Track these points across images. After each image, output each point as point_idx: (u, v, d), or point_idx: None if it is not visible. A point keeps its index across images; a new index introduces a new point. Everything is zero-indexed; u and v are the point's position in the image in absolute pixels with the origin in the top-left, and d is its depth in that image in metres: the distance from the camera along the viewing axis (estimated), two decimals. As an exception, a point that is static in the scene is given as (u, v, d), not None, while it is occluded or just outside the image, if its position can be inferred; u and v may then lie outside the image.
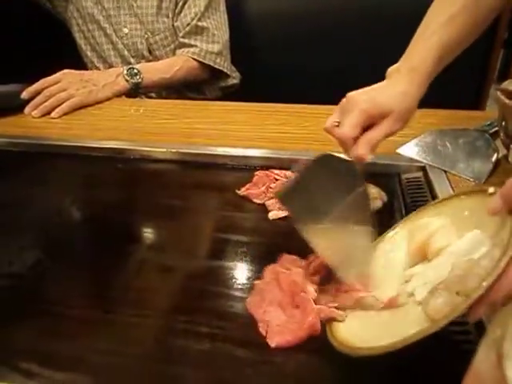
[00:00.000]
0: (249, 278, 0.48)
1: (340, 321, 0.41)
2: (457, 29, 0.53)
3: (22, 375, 0.39)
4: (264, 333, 0.41)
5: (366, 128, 0.50)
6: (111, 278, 0.50)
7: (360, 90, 0.52)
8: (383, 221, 0.55)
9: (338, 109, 0.53)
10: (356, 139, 0.49)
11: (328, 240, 0.45)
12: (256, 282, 0.47)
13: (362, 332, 0.38)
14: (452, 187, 0.58)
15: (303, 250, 0.47)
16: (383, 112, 0.50)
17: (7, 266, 0.52)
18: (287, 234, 0.54)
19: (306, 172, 0.46)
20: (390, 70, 0.54)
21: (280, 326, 0.42)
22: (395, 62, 0.55)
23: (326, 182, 0.46)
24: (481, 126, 0.67)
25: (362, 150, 0.48)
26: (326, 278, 0.46)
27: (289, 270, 0.47)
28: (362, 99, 0.50)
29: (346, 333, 0.38)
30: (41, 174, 0.73)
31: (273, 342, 0.40)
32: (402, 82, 0.52)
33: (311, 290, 0.45)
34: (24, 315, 0.45)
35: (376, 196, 0.58)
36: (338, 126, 0.52)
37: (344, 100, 0.52)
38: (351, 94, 0.52)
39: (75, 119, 0.89)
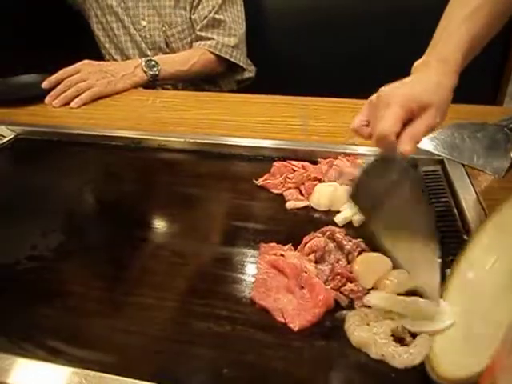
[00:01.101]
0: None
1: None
2: (482, 21, 0.52)
3: (47, 352, 0.40)
4: (282, 320, 0.42)
5: (405, 124, 0.47)
6: (130, 262, 0.51)
7: (391, 85, 0.49)
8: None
9: (366, 107, 0.51)
10: (395, 135, 0.46)
11: (395, 239, 0.44)
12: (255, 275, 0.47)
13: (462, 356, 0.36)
14: (470, 181, 0.58)
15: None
16: (423, 104, 0.47)
17: (31, 249, 0.53)
18: (304, 223, 0.55)
19: (370, 170, 0.45)
20: (416, 64, 0.52)
21: (295, 309, 0.43)
22: (412, 54, 0.54)
23: (388, 182, 0.45)
24: (499, 121, 0.67)
25: (408, 146, 0.45)
26: (321, 257, 0.48)
27: (283, 255, 0.48)
28: (398, 93, 0.47)
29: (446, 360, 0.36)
30: (61, 162, 0.75)
31: (295, 326, 0.41)
32: (433, 73, 0.49)
33: (311, 268, 0.46)
34: (48, 295, 0.47)
35: (393, 188, 0.58)
36: (367, 125, 0.50)
37: (375, 96, 0.50)
38: (385, 90, 0.49)
39: (94, 109, 0.90)
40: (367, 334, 0.39)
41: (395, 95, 0.47)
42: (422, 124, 0.47)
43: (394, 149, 0.46)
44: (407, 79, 0.50)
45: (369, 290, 0.44)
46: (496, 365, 0.19)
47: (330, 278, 0.46)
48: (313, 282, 0.45)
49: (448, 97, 0.49)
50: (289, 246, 0.50)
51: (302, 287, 0.45)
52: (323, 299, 0.42)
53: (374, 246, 0.49)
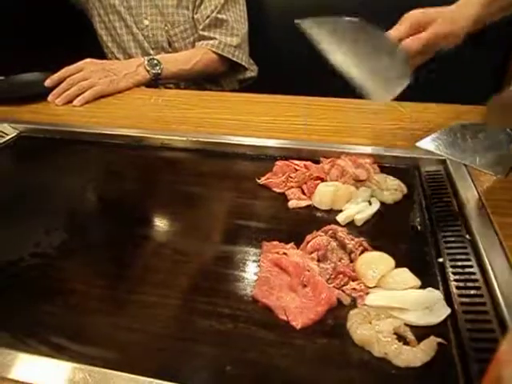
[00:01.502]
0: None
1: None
2: None
3: (51, 348, 0.40)
4: (285, 318, 0.42)
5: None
6: (132, 260, 0.51)
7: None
8: (403, 212, 0.56)
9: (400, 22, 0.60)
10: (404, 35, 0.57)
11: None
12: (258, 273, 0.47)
13: None
14: (473, 181, 0.58)
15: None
16: (429, 18, 0.57)
17: (34, 246, 0.53)
18: (306, 222, 0.55)
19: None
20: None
21: (298, 307, 0.43)
22: None
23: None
24: (502, 121, 0.67)
25: (410, 42, 0.56)
26: (324, 256, 0.48)
27: (285, 254, 0.48)
28: (415, 11, 0.58)
29: None
30: (63, 160, 0.75)
31: (298, 324, 0.41)
32: (457, 2, 0.59)
33: (314, 266, 0.47)
34: (51, 293, 0.47)
35: (396, 188, 0.59)
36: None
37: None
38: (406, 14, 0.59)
39: (97, 108, 0.90)
40: (370, 332, 0.39)
41: (412, 13, 0.58)
42: (425, 32, 0.57)
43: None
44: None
45: (371, 288, 0.44)
46: (502, 358, 0.19)
47: (332, 277, 0.46)
48: (315, 280, 0.45)
49: (466, 18, 0.58)
50: (291, 244, 0.51)
51: (305, 285, 0.45)
52: (326, 298, 0.43)
53: (376, 245, 0.49)
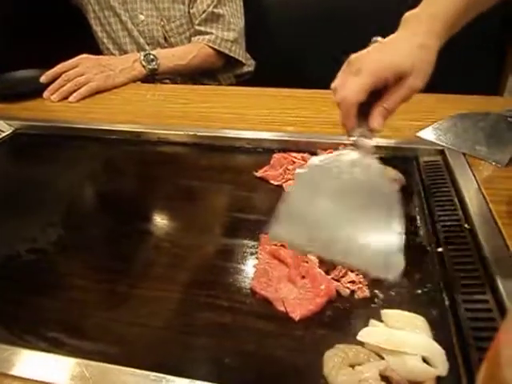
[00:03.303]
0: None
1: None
2: None
3: (49, 343, 0.40)
4: (283, 309, 0.42)
5: (375, 93, 0.43)
6: (131, 255, 0.51)
7: (370, 48, 0.45)
8: (401, 202, 0.56)
9: (341, 71, 0.47)
10: (357, 106, 0.43)
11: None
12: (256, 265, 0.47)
13: None
14: (472, 170, 0.58)
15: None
16: (399, 72, 0.43)
17: (32, 242, 0.53)
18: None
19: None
20: (406, 16, 0.48)
21: (296, 298, 0.42)
22: None
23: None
24: (502, 111, 0.67)
25: (377, 122, 0.43)
26: None
27: (283, 246, 0.48)
28: (371, 59, 0.43)
29: None
30: (60, 157, 0.74)
31: (296, 315, 0.40)
32: (419, 31, 0.45)
33: (313, 258, 0.46)
34: (50, 288, 0.47)
35: (394, 178, 0.58)
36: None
37: (349, 60, 0.46)
38: (357, 55, 0.45)
39: (93, 103, 0.89)
40: (353, 379, 0.34)
41: (367, 61, 0.43)
42: (396, 96, 0.44)
43: (353, 123, 0.44)
44: (388, 39, 0.46)
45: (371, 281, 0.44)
46: (502, 338, 0.19)
47: (331, 268, 0.46)
48: (314, 271, 0.44)
49: (432, 59, 0.45)
50: None
51: (304, 277, 0.45)
52: (325, 289, 0.42)
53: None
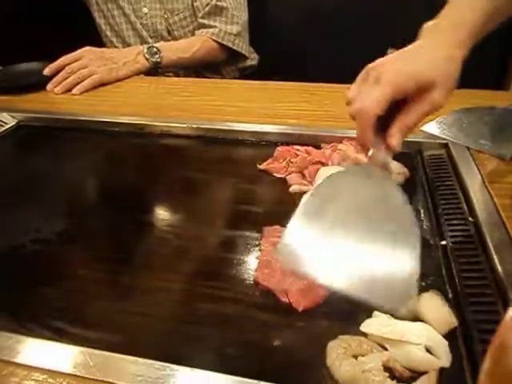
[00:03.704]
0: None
1: None
2: None
3: (53, 332, 0.40)
4: (287, 301, 0.42)
5: (393, 107, 0.40)
6: (134, 246, 0.51)
7: (390, 56, 0.41)
8: (405, 196, 0.56)
9: (358, 81, 0.44)
10: (375, 119, 0.39)
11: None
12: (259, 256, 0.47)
13: None
14: (476, 164, 0.57)
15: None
16: (423, 85, 0.39)
17: (35, 232, 0.53)
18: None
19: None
20: (426, 26, 0.44)
21: (299, 289, 0.42)
22: None
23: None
24: (508, 105, 0.66)
25: (395, 140, 0.38)
26: None
27: None
28: (392, 69, 0.40)
29: None
30: (63, 149, 0.74)
31: (300, 306, 0.40)
32: (444, 42, 0.42)
33: None
34: (54, 277, 0.47)
35: (398, 172, 0.58)
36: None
37: (367, 69, 0.43)
38: (374, 64, 0.42)
39: (96, 96, 0.89)
40: (356, 369, 0.34)
41: (387, 70, 0.40)
42: (418, 111, 0.40)
43: (370, 137, 0.39)
44: (409, 48, 0.42)
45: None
46: (507, 325, 0.19)
47: None
48: None
49: (457, 72, 0.42)
50: None
51: None
52: None
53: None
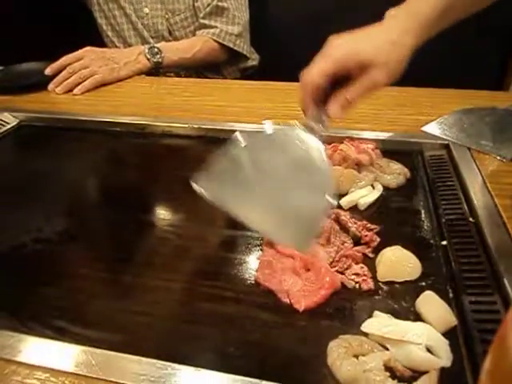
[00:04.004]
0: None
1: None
2: None
3: (54, 331, 0.40)
4: (287, 301, 0.42)
5: (341, 81, 0.44)
6: (135, 245, 0.51)
7: (342, 36, 0.45)
8: (406, 196, 0.56)
9: (317, 55, 0.47)
10: (319, 90, 0.43)
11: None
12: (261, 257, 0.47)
13: None
14: (477, 164, 0.58)
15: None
16: (362, 63, 0.42)
17: (37, 231, 0.53)
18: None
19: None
20: (387, 12, 0.48)
21: (300, 290, 0.42)
22: None
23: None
24: (509, 105, 0.66)
25: (333, 109, 0.43)
26: (327, 240, 0.48)
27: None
28: (338, 44, 0.44)
29: None
30: (64, 149, 0.74)
31: (301, 307, 0.40)
32: (395, 28, 0.45)
33: (321, 251, 0.46)
34: (55, 277, 0.47)
35: (399, 172, 0.58)
36: None
37: (326, 43, 0.46)
38: (331, 38, 0.45)
39: (97, 96, 0.89)
40: (357, 369, 0.34)
41: (334, 46, 0.44)
42: (357, 85, 0.43)
43: (308, 104, 0.44)
44: (364, 29, 0.46)
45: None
46: (508, 323, 0.19)
47: (336, 260, 0.46)
48: (319, 264, 0.44)
49: (403, 57, 0.45)
50: None
51: (308, 270, 0.45)
52: (330, 281, 0.42)
53: (379, 229, 0.49)
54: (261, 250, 0.48)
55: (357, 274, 0.44)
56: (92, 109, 0.83)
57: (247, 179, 0.43)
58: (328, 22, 1.19)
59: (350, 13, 1.17)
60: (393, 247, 0.46)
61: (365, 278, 0.44)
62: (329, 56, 0.43)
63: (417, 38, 0.46)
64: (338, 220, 0.50)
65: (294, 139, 0.44)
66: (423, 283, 0.43)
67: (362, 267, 0.45)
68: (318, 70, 0.43)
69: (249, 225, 0.42)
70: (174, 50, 1.04)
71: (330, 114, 0.44)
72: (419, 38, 0.46)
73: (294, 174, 0.43)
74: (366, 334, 0.38)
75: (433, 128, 0.66)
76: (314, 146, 0.44)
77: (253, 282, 0.44)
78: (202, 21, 1.10)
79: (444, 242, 0.47)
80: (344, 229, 0.49)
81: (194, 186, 0.45)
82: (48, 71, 0.92)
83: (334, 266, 0.45)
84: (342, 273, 0.45)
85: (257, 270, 0.45)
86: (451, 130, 0.64)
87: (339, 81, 0.44)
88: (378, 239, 0.48)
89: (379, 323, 0.38)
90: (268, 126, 0.45)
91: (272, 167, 0.43)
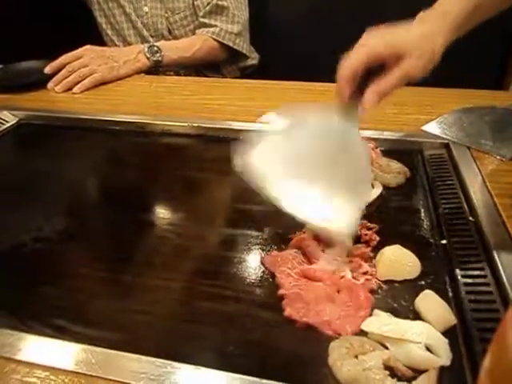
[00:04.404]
0: (270, 246, 0.49)
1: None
2: None
3: (54, 330, 0.40)
4: (331, 332, 0.38)
5: (375, 72, 0.45)
6: (135, 245, 0.51)
7: (377, 30, 0.46)
8: (406, 195, 0.56)
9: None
10: (356, 78, 0.45)
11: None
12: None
13: None
14: (476, 164, 0.58)
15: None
16: (397, 53, 0.44)
17: (36, 230, 0.53)
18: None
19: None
20: (418, 15, 0.50)
21: (340, 317, 0.40)
22: None
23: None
24: (509, 105, 0.66)
25: (367, 99, 0.44)
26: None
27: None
28: (375, 35, 0.45)
29: None
30: (64, 147, 0.74)
31: (347, 333, 0.38)
32: (427, 24, 0.47)
33: (323, 255, 0.46)
34: (55, 276, 0.47)
35: (399, 171, 0.58)
36: None
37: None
38: (367, 32, 0.47)
39: (97, 95, 0.89)
40: (357, 369, 0.34)
41: (374, 37, 0.46)
42: (391, 75, 0.44)
43: (343, 91, 0.45)
44: (396, 27, 0.47)
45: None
46: (508, 321, 0.19)
47: (346, 262, 0.45)
48: (349, 283, 0.42)
49: (433, 49, 0.46)
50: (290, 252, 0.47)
51: (338, 291, 0.43)
52: (365, 299, 0.40)
53: (379, 228, 0.49)
54: (272, 278, 0.45)
55: (365, 273, 0.44)
56: (91, 107, 0.83)
57: (291, 161, 0.45)
58: (328, 21, 1.20)
59: (349, 12, 1.17)
60: (392, 246, 0.46)
61: (370, 277, 0.43)
62: (366, 46, 0.45)
63: (446, 38, 0.47)
64: (337, 219, 0.50)
65: (333, 125, 0.46)
66: (423, 282, 0.43)
67: (371, 266, 0.45)
68: (355, 58, 0.44)
69: (288, 210, 0.44)
70: (173, 49, 1.04)
71: (365, 103, 0.45)
72: (448, 38, 0.48)
73: (335, 158, 0.45)
74: (366, 334, 0.38)
75: (433, 127, 0.66)
76: (352, 132, 0.46)
77: (252, 281, 0.44)
78: (201, 20, 1.10)
79: (443, 241, 0.47)
80: (344, 228, 0.49)
81: (237, 165, 0.47)
82: (47, 70, 0.92)
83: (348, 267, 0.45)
84: (354, 272, 0.44)
85: (285, 306, 0.41)
86: (451, 129, 0.64)
87: (373, 72, 0.46)
88: (378, 238, 0.48)
89: (379, 322, 0.38)
90: (304, 114, 0.47)
91: (314, 151, 0.46)
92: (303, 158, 0.45)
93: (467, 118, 0.65)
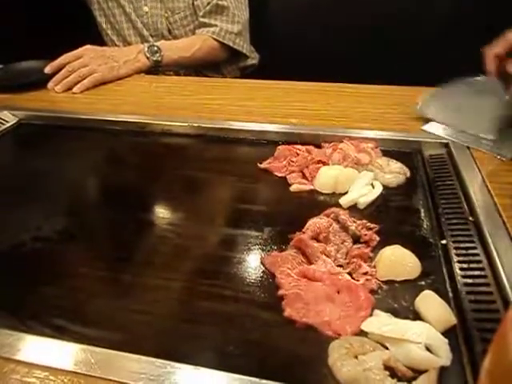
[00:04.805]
0: (270, 246, 0.49)
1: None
2: None
3: (54, 330, 0.40)
4: (330, 333, 0.38)
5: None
6: (135, 244, 0.51)
7: None
8: (406, 195, 0.56)
9: None
10: (499, 57, 0.61)
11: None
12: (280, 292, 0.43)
13: None
14: (476, 163, 0.58)
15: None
16: None
17: (36, 230, 0.53)
18: (309, 206, 0.55)
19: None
20: None
21: (340, 317, 0.40)
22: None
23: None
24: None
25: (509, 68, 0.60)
26: (326, 239, 0.48)
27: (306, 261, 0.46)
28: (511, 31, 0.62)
29: None
30: (64, 147, 0.74)
31: (347, 333, 0.38)
32: None
33: (322, 257, 0.45)
34: (54, 275, 0.47)
35: (399, 171, 0.58)
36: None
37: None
38: (508, 30, 0.62)
39: (97, 94, 0.89)
40: (357, 369, 0.34)
41: (510, 33, 0.61)
42: None
43: (490, 64, 0.62)
44: None
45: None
46: (509, 321, 0.19)
47: (346, 262, 0.45)
48: (348, 283, 0.42)
49: None
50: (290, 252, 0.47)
51: (338, 292, 0.42)
52: (365, 300, 0.40)
53: (379, 228, 0.49)
54: (272, 279, 0.44)
55: (365, 273, 0.44)
56: (91, 107, 0.83)
57: (467, 105, 0.67)
58: (328, 21, 1.20)
59: (349, 12, 1.17)
60: (392, 246, 0.45)
61: (370, 277, 0.43)
62: (506, 39, 0.61)
63: None
64: (337, 219, 0.50)
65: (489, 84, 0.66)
66: (423, 282, 0.43)
67: (371, 266, 0.44)
68: (495, 45, 0.62)
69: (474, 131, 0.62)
70: (173, 49, 1.04)
71: (509, 69, 0.61)
72: None
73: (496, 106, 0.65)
74: (366, 334, 0.38)
75: (433, 127, 0.66)
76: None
77: (252, 281, 0.44)
78: (201, 19, 1.10)
79: (443, 241, 0.47)
80: (343, 228, 0.49)
81: (423, 111, 0.69)
82: (47, 69, 0.92)
83: (346, 268, 0.45)
84: (350, 273, 0.44)
85: (285, 306, 0.41)
86: (451, 128, 0.64)
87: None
88: (378, 238, 0.48)
89: (379, 322, 0.38)
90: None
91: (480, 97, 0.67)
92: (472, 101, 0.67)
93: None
